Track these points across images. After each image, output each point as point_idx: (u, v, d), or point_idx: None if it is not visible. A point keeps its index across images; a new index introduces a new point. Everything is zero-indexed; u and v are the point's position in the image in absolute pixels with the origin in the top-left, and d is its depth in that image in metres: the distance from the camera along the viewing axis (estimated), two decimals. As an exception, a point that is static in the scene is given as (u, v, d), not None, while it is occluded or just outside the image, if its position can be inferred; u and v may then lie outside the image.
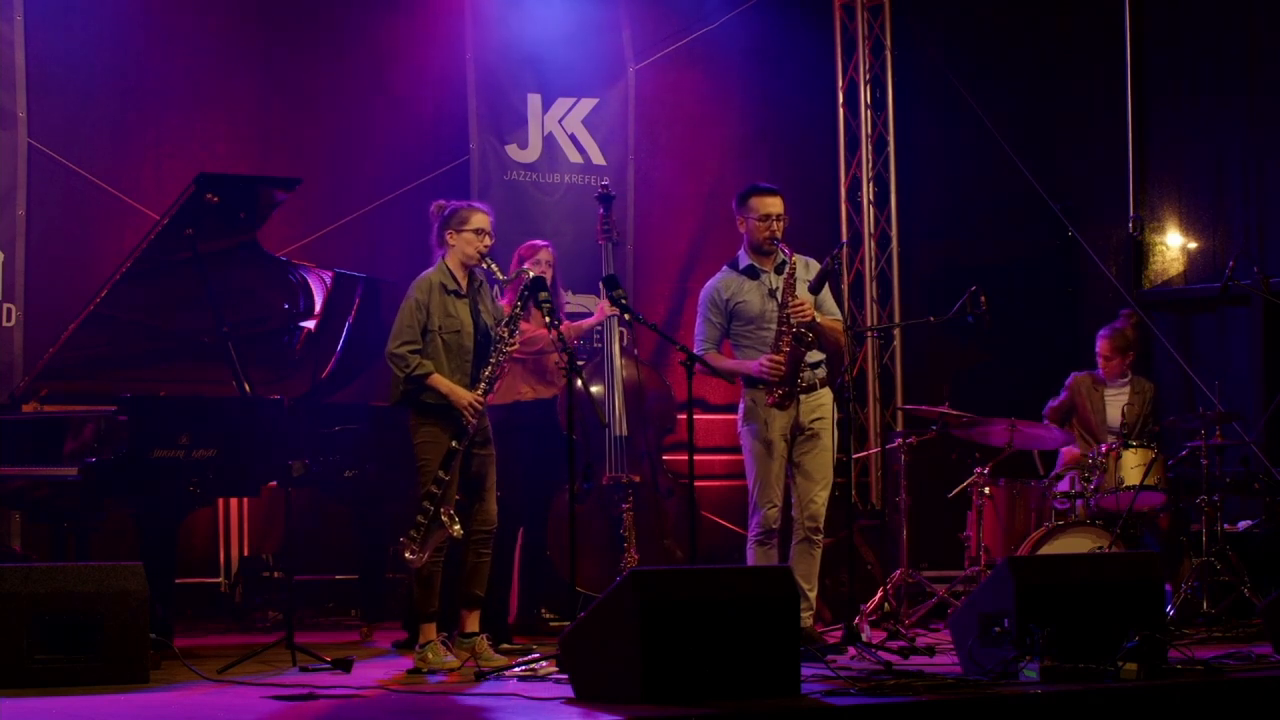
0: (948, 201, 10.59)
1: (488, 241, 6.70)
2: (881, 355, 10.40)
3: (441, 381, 6.56)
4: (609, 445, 8.08)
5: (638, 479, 8.09)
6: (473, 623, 6.68)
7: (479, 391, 6.54)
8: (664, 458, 8.34)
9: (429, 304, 6.61)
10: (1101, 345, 8.66)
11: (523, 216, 9.21)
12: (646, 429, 8.27)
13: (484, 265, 6.69)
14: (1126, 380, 8.64)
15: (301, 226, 8.85)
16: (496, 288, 7.01)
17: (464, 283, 6.70)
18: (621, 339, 8.24)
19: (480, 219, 6.72)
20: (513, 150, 9.43)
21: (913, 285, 10.45)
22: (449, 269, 6.70)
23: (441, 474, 6.47)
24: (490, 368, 6.57)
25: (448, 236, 6.71)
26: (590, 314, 8.37)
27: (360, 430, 7.59)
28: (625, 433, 8.12)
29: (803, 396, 7.04)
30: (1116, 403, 8.57)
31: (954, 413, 8.40)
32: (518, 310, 6.62)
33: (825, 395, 7.15)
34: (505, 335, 6.60)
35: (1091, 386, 8.65)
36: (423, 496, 6.49)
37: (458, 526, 6.46)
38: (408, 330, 6.59)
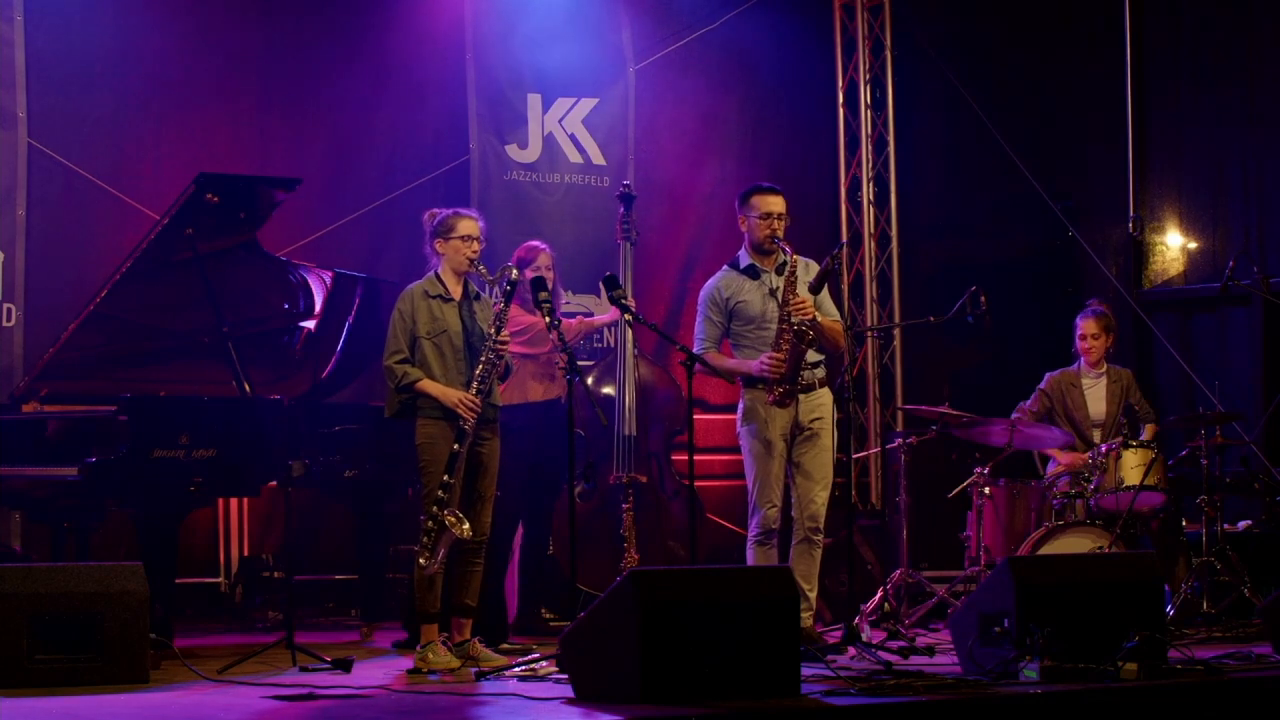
0: (948, 201, 10.60)
1: (476, 247, 6.69)
2: (881, 355, 10.40)
3: (430, 385, 6.58)
4: (616, 445, 8.07)
5: (643, 479, 8.08)
6: (464, 632, 6.68)
7: (471, 390, 6.54)
8: (672, 457, 8.34)
9: (412, 312, 6.64)
10: (1087, 325, 8.50)
11: (523, 217, 9.20)
12: (655, 429, 8.25)
13: (474, 270, 6.69)
14: (1103, 371, 8.59)
15: (301, 226, 8.85)
16: (493, 290, 6.99)
17: (456, 290, 6.71)
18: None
19: (466, 225, 6.71)
20: (513, 150, 9.43)
21: (913, 285, 10.45)
22: (439, 278, 6.72)
23: (447, 478, 6.47)
24: (481, 365, 6.57)
25: (437, 245, 6.74)
26: (591, 313, 8.34)
27: (360, 430, 7.58)
28: (634, 432, 8.11)
29: (801, 396, 7.03)
30: (1096, 395, 8.53)
31: (954, 413, 8.39)
32: (501, 307, 6.62)
33: (824, 395, 7.14)
34: (493, 333, 6.60)
35: (1070, 384, 8.58)
36: (427, 500, 6.49)
37: (466, 526, 6.46)
38: (393, 342, 6.64)
